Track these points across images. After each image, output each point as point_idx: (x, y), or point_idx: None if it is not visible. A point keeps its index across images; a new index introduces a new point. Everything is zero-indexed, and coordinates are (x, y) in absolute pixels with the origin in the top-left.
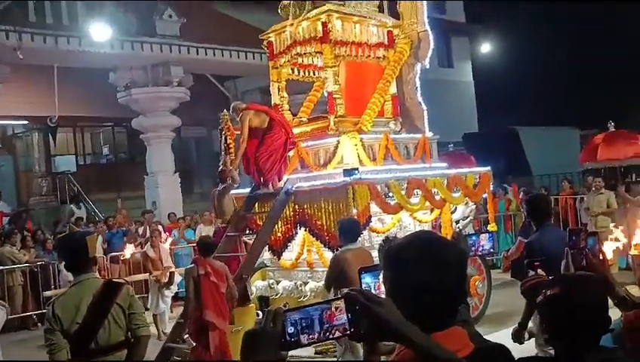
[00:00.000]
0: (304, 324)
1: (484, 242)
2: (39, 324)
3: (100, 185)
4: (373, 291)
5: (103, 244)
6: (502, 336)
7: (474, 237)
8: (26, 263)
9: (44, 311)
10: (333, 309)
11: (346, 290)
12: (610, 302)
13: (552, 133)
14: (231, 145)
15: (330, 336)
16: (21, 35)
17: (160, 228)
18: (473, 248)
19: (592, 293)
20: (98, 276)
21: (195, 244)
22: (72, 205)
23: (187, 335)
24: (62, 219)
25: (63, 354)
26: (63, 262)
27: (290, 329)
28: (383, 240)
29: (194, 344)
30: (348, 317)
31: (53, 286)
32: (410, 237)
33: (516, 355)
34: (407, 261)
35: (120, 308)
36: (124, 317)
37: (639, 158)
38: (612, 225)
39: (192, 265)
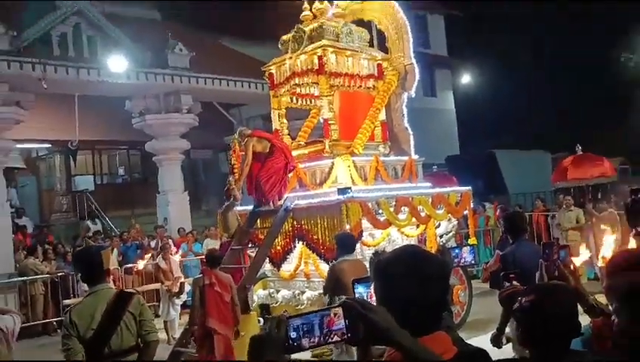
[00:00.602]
0: (305, 329)
1: (466, 254)
2: (59, 330)
3: (115, 203)
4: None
5: (118, 257)
6: (482, 341)
7: (457, 250)
8: (47, 274)
9: (63, 317)
10: (331, 316)
11: (343, 298)
12: (580, 309)
13: (526, 155)
14: (235, 166)
15: (330, 340)
16: (45, 67)
17: (170, 241)
18: (456, 260)
19: (563, 302)
20: (112, 286)
21: (202, 257)
22: (88, 221)
23: (192, 339)
24: (81, 234)
25: (79, 357)
26: (80, 274)
27: (293, 334)
28: (373, 254)
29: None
30: (346, 323)
31: (72, 295)
32: (398, 251)
33: (495, 358)
34: (395, 275)
35: (131, 315)
36: (135, 323)
37: (604, 178)
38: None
39: (200, 275)
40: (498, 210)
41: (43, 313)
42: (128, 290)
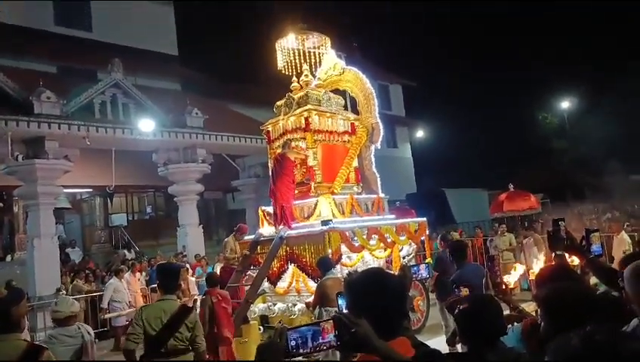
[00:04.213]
0: (301, 340)
1: (423, 271)
2: (96, 340)
3: (144, 235)
4: (344, 309)
5: (145, 278)
6: (439, 341)
7: (415, 268)
8: (87, 293)
9: (101, 329)
10: (322, 328)
11: (329, 309)
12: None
13: (469, 192)
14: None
15: (320, 348)
16: (88, 128)
17: (188, 265)
18: (415, 275)
19: (489, 310)
20: (177, 300)
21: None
22: (124, 250)
23: None
24: (116, 260)
25: (137, 345)
26: (158, 281)
27: (292, 343)
28: (347, 274)
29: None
30: (335, 333)
31: (107, 310)
32: (364, 272)
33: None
34: (360, 290)
35: (186, 326)
36: (187, 332)
37: (531, 210)
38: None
39: (205, 296)
40: (439, 238)
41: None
42: (189, 306)
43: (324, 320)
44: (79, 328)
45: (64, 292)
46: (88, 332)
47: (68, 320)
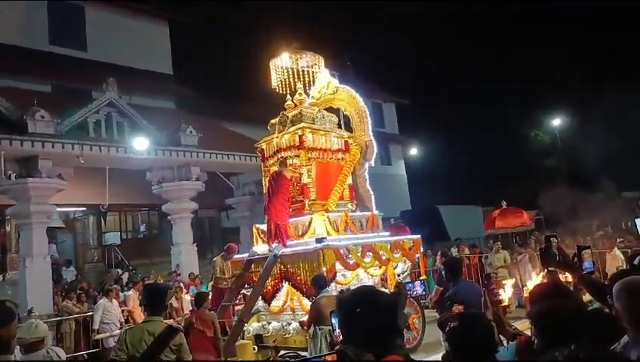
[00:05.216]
0: None
1: (418, 287)
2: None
3: (138, 254)
4: (337, 327)
5: (139, 297)
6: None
7: (410, 284)
8: (78, 314)
9: (93, 350)
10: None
11: (324, 328)
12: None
13: (463, 209)
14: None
15: None
16: (82, 147)
17: (182, 284)
18: (410, 291)
19: (479, 328)
20: (163, 321)
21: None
22: (118, 269)
23: None
24: (108, 279)
25: None
26: (144, 302)
27: None
28: (338, 292)
29: None
30: None
31: (99, 331)
32: (355, 290)
33: None
34: (351, 308)
35: (170, 349)
36: (172, 354)
37: (524, 226)
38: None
39: (188, 315)
40: (440, 254)
41: (75, 347)
42: (175, 326)
43: (326, 354)
44: (48, 352)
45: (36, 313)
46: (58, 356)
47: (34, 345)
